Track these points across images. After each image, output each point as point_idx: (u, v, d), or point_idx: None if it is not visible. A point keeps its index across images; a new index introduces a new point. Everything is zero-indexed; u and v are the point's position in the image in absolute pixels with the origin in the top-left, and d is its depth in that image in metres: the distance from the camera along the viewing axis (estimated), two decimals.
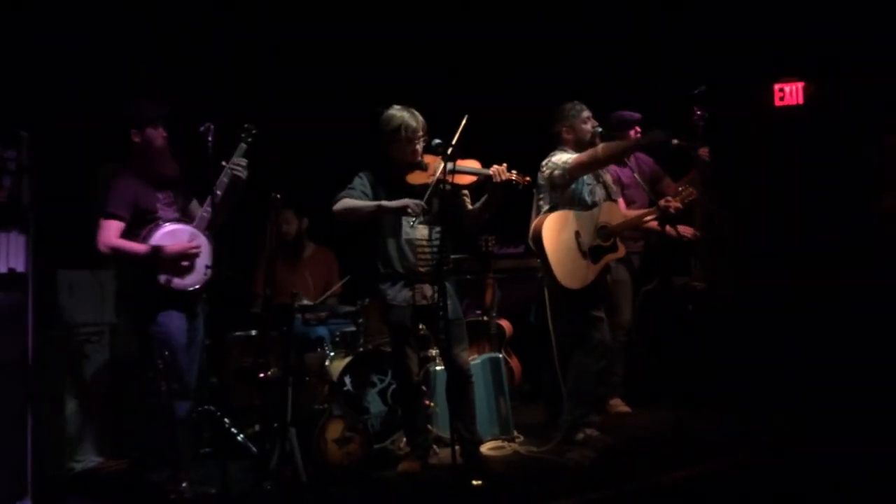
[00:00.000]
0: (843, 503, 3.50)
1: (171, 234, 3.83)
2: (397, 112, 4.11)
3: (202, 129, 3.71)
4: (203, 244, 3.88)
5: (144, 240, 3.79)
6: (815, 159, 6.10)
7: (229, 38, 5.77)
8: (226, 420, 4.64)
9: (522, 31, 6.24)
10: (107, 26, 5.14)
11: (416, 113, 4.13)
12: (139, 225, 3.83)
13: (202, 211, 3.93)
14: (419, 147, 4.12)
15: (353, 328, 5.01)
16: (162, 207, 3.91)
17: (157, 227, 3.82)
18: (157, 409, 3.80)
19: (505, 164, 4.00)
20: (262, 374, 4.32)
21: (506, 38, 6.24)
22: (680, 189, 4.78)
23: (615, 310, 5.15)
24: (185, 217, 3.97)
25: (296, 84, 6.06)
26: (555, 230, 4.42)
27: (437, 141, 3.94)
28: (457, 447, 3.78)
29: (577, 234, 4.45)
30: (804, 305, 5.88)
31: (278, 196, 3.88)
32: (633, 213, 4.79)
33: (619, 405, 5.21)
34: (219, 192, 3.85)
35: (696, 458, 4.00)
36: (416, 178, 4.12)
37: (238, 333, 5.10)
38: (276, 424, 4.10)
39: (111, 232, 3.78)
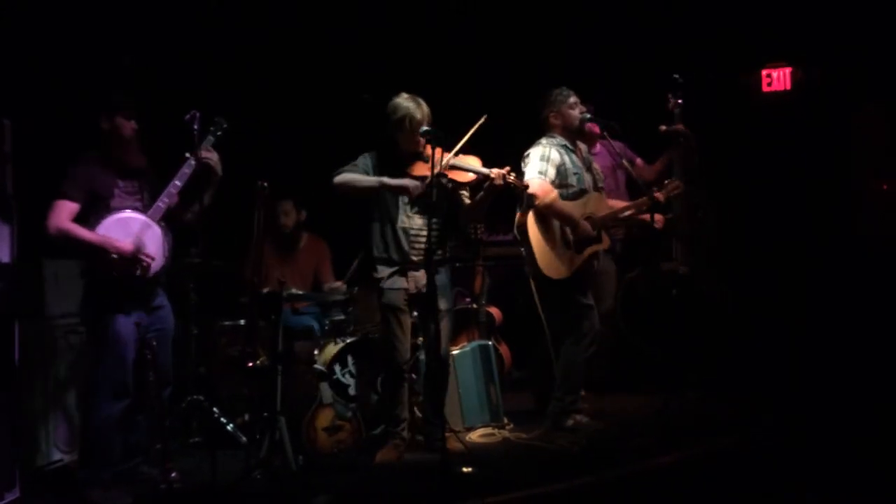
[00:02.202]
0: (830, 488, 3.51)
1: (122, 222, 3.69)
2: (404, 102, 4.13)
3: (188, 117, 3.69)
4: (155, 235, 3.75)
5: (93, 225, 3.65)
6: (803, 145, 6.11)
7: (226, 26, 5.72)
8: (215, 409, 4.63)
9: (505, 18, 6.20)
10: (91, 12, 5.08)
11: (423, 103, 4.14)
12: (92, 211, 3.69)
13: (158, 201, 3.78)
14: (423, 139, 4.12)
15: (342, 316, 5.01)
16: (120, 195, 3.77)
17: (109, 212, 3.70)
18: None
19: (508, 168, 4.06)
20: (250, 363, 4.31)
21: (492, 27, 6.21)
22: (666, 182, 4.73)
23: (598, 300, 5.15)
24: (148, 209, 3.80)
25: (293, 71, 6.02)
26: (540, 221, 4.42)
27: (426, 128, 3.94)
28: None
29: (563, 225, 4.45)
30: (790, 291, 5.91)
31: (265, 184, 3.86)
32: (619, 204, 4.76)
33: None
34: (178, 183, 3.77)
35: (684, 443, 4.01)
36: (417, 168, 4.13)
37: (226, 322, 5.08)
38: (265, 413, 4.09)
39: (63, 213, 3.63)
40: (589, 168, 4.65)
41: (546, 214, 4.41)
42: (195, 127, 3.69)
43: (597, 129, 4.89)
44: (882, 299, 5.60)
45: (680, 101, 5.18)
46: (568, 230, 4.43)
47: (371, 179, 4.09)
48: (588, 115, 4.59)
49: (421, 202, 4.13)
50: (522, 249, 4.48)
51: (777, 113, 6.28)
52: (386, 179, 4.07)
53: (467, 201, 4.26)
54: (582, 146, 4.72)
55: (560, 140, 4.56)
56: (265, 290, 4.79)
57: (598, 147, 5.33)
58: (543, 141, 4.56)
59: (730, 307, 5.35)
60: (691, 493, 3.63)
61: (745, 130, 6.17)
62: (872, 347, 5.25)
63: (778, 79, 6.33)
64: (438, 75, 5.93)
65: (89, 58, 5.07)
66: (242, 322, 4.97)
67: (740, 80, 6.42)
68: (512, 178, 4.08)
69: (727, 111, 6.19)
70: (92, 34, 5.10)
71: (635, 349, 5.31)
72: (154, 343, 3.77)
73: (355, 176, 4.10)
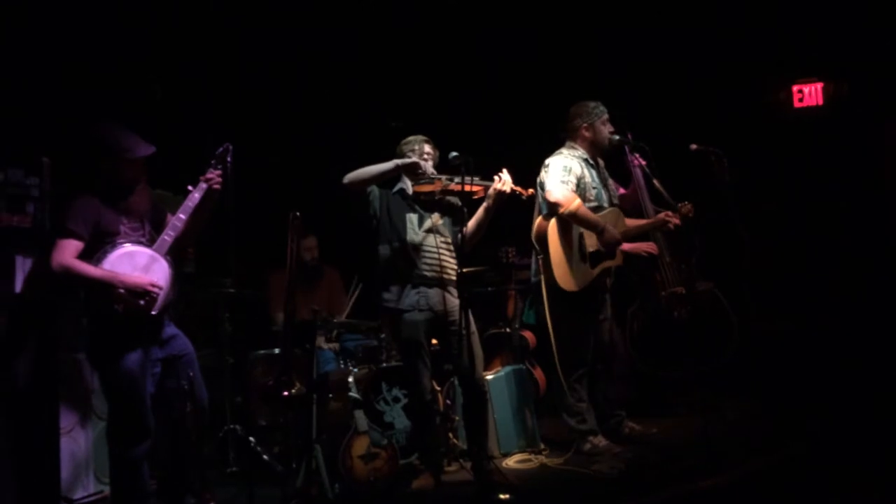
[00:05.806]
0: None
1: (128, 256, 3.54)
2: (411, 136, 4.26)
3: (220, 150, 3.69)
4: (162, 268, 3.61)
5: (98, 260, 3.49)
6: (835, 159, 6.05)
7: (250, 62, 5.79)
8: (251, 439, 4.65)
9: (533, 31, 6.18)
10: (124, 49, 5.17)
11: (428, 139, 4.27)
12: (98, 246, 3.53)
13: (164, 234, 3.64)
14: (429, 163, 4.18)
15: (374, 343, 5.02)
16: (126, 231, 3.63)
17: (114, 246, 3.54)
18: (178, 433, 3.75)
19: (508, 177, 4.05)
20: (285, 392, 4.32)
21: (520, 43, 6.22)
22: (679, 205, 4.65)
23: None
24: (153, 243, 3.66)
25: (306, 106, 6.09)
26: (561, 230, 4.40)
27: (454, 154, 3.96)
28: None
29: (581, 236, 4.43)
30: (824, 306, 5.84)
31: (298, 215, 3.86)
32: (635, 222, 4.70)
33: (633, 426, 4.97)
34: (182, 216, 3.63)
35: (724, 465, 3.95)
36: (423, 187, 4.13)
37: (261, 352, 5.11)
38: (301, 442, 4.09)
39: (67, 251, 3.46)
40: (605, 185, 4.64)
41: (567, 223, 4.39)
42: (228, 160, 3.68)
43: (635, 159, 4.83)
44: None
45: (641, 161, 4.83)
46: (586, 242, 4.40)
47: (385, 165, 4.02)
48: (617, 137, 4.57)
49: (437, 205, 4.17)
50: (540, 258, 4.43)
51: (809, 128, 6.23)
52: (399, 161, 4.06)
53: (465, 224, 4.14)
54: (601, 162, 4.70)
55: (581, 153, 4.56)
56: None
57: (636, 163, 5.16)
58: (564, 151, 4.55)
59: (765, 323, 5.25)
60: None
61: (776, 146, 6.12)
62: None
63: (809, 94, 6.29)
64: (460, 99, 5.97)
65: (122, 90, 5.14)
66: (277, 351, 5.00)
67: (771, 96, 6.38)
68: (516, 187, 4.06)
69: (759, 127, 6.15)
70: (125, 67, 5.19)
71: (655, 378, 5.22)
72: (191, 374, 3.74)
73: (364, 168, 4.02)
